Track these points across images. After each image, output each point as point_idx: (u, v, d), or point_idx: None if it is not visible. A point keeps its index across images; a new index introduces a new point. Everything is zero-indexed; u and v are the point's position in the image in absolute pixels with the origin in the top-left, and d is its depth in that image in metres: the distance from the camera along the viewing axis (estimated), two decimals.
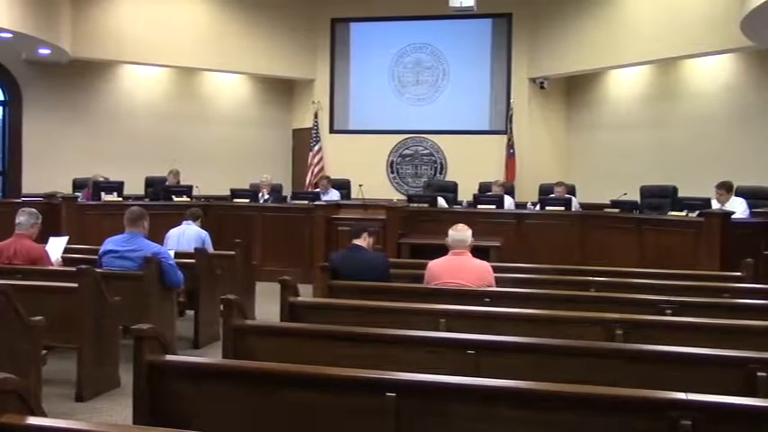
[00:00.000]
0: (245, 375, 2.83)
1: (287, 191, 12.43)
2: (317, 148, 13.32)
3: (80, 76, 12.27)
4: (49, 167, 11.86)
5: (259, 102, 14.00)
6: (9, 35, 10.04)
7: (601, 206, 9.70)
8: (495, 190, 10.65)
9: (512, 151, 12.52)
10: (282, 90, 14.03)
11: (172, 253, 6.27)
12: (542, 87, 12.80)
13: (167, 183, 11.08)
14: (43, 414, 2.26)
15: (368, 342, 3.43)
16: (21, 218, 6.00)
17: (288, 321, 4.21)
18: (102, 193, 10.14)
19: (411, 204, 9.97)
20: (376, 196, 11.71)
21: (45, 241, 6.40)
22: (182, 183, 11.17)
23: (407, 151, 13.31)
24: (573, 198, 10.34)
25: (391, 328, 3.58)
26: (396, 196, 12.59)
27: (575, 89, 12.99)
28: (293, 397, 2.73)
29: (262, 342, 3.55)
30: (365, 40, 13.51)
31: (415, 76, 13.32)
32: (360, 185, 11.64)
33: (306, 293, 5.11)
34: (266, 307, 6.97)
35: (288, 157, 14.12)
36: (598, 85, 12.60)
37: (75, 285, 5.04)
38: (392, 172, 13.33)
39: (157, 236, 6.85)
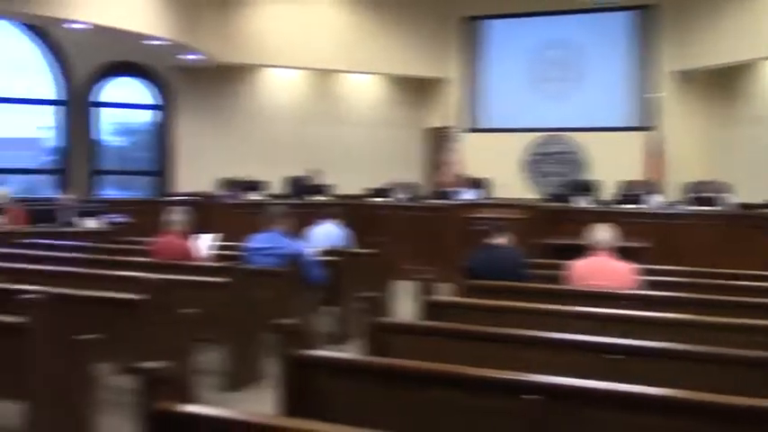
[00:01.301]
0: (386, 372, 2.84)
1: (421, 190, 12.48)
2: (454, 146, 13.28)
3: (225, 80, 12.85)
4: (198, 168, 12.50)
5: (392, 101, 14.13)
6: (161, 42, 10.70)
7: (760, 206, 9.09)
8: (639, 188, 10.23)
9: (657, 148, 11.98)
10: (414, 89, 14.08)
11: (313, 250, 6.43)
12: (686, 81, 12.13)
13: (308, 182, 11.42)
14: (196, 402, 2.36)
15: (508, 343, 3.37)
16: (173, 216, 6.36)
17: (426, 320, 4.21)
18: (247, 193, 10.60)
19: (549, 203, 9.74)
20: (512, 195, 11.53)
21: (196, 238, 6.74)
22: (321, 182, 11.47)
23: (544, 149, 13.01)
24: (727, 196, 9.74)
25: (531, 330, 3.50)
26: (532, 195, 12.33)
27: (722, 81, 12.23)
28: (435, 396, 2.72)
29: (400, 340, 3.55)
30: (499, 36, 13.34)
31: (552, 73, 13.00)
32: (500, 184, 11.50)
33: (443, 292, 5.09)
34: (404, 305, 7.02)
35: (421, 156, 14.18)
36: (749, 76, 11.81)
37: (225, 281, 5.27)
38: (528, 170, 13.08)
39: (299, 234, 7.05)
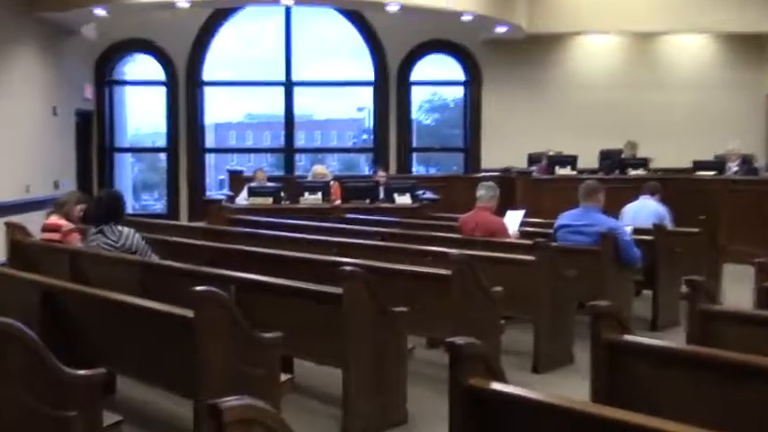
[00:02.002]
0: (713, 365, 2.64)
1: (761, 162, 11.31)
2: None
3: (534, 51, 12.78)
4: (505, 143, 12.64)
5: (723, 63, 12.97)
6: (470, 17, 10.93)
7: None
8: None
9: None
10: (753, 47, 12.75)
11: (628, 229, 6.18)
12: None
13: (623, 155, 10.97)
14: (505, 381, 2.38)
15: None
16: (481, 191, 6.50)
17: (763, 309, 3.81)
18: (557, 167, 10.48)
19: None
20: None
21: (503, 214, 6.84)
22: (638, 155, 10.96)
23: None
24: None
25: None
26: None
27: None
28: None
29: (731, 330, 3.28)
30: None
31: None
32: None
33: None
34: (735, 292, 6.45)
35: (761, 124, 12.85)
36: None
37: (532, 258, 5.28)
38: None
39: (613, 211, 6.83)
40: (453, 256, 4.77)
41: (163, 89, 12.97)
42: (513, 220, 6.82)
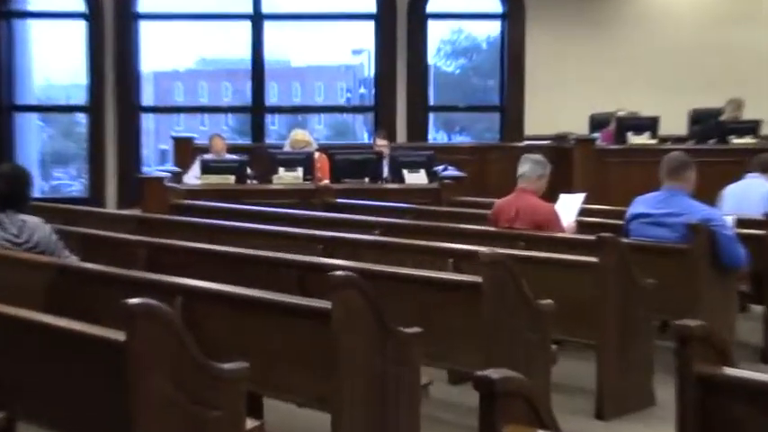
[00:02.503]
0: None
1: None
2: None
3: None
4: (557, 100, 12.64)
5: None
6: None
7: None
8: None
9: None
10: None
11: (730, 219, 6.17)
12: None
13: (722, 117, 10.96)
14: (557, 429, 2.38)
15: None
16: (524, 167, 6.50)
17: None
18: (629, 134, 10.46)
19: None
20: None
21: (554, 198, 6.84)
22: (743, 118, 10.94)
23: None
24: None
25: None
26: None
27: None
28: None
29: None
30: None
31: None
32: None
33: None
34: None
35: None
36: None
37: (595, 260, 5.27)
38: None
39: (708, 194, 6.81)
40: (485, 257, 4.77)
41: (82, 24, 13.00)
42: (568, 206, 6.81)
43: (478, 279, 4.70)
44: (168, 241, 6.36)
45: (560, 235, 6.31)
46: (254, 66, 13.30)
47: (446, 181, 9.25)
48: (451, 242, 6.01)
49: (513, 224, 6.42)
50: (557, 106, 12.51)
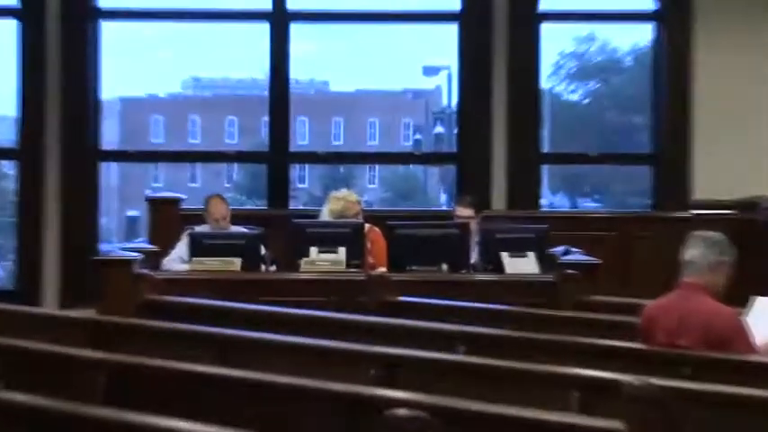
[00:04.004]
0: None
1: None
2: None
3: None
4: (744, 147, 12.61)
5: None
6: None
7: None
8: None
9: None
10: None
11: None
12: None
13: None
14: None
15: None
16: (692, 251, 6.46)
17: None
18: None
19: None
20: None
21: (741, 301, 6.78)
22: None
23: None
24: None
25: None
26: None
27: None
28: None
29: None
30: None
31: None
32: None
33: None
34: None
35: None
36: None
37: None
38: None
39: None
40: (631, 390, 4.74)
41: (13, 24, 13.19)
42: (763, 314, 6.76)
43: (619, 426, 4.68)
44: (140, 360, 6.38)
45: (751, 358, 6.26)
46: (273, 91, 13.37)
47: (568, 271, 9.24)
48: (577, 366, 5.97)
49: (674, 340, 6.37)
50: (743, 155, 12.49)
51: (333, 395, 5.35)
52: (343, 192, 10.55)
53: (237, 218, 10.70)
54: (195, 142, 16.59)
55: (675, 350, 6.28)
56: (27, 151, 13.13)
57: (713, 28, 12.96)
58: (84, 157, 13.12)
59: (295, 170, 13.85)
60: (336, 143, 16.13)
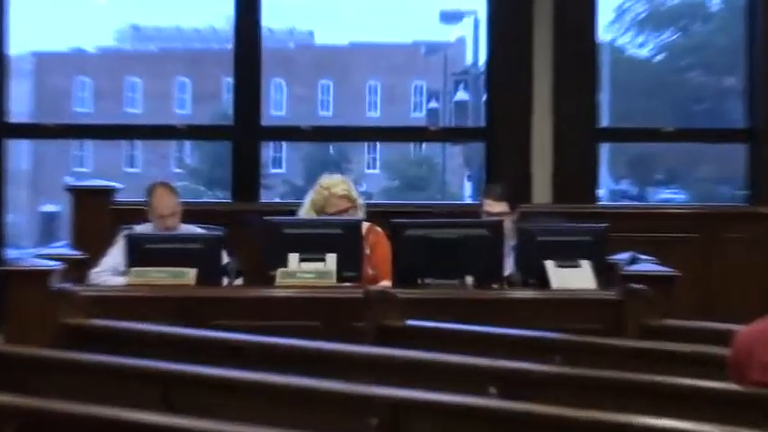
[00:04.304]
0: None
1: None
2: None
3: None
4: None
5: None
6: None
7: None
8: None
9: None
10: None
11: None
12: None
13: None
14: None
15: None
16: None
17: None
18: None
19: None
20: None
21: None
22: None
23: None
24: None
25: None
26: None
27: None
28: None
29: None
30: None
31: None
32: None
33: None
34: None
35: None
36: None
37: None
38: None
39: None
40: None
41: None
42: None
43: None
44: (58, 404, 6.39)
45: None
46: (238, 44, 13.46)
47: (635, 285, 9.24)
48: (648, 412, 5.98)
49: None
50: None
51: None
52: (334, 178, 10.54)
53: (191, 215, 10.73)
54: (134, 112, 16.66)
55: None
56: None
57: None
58: None
59: (268, 150, 13.90)
60: (324, 114, 16.17)
